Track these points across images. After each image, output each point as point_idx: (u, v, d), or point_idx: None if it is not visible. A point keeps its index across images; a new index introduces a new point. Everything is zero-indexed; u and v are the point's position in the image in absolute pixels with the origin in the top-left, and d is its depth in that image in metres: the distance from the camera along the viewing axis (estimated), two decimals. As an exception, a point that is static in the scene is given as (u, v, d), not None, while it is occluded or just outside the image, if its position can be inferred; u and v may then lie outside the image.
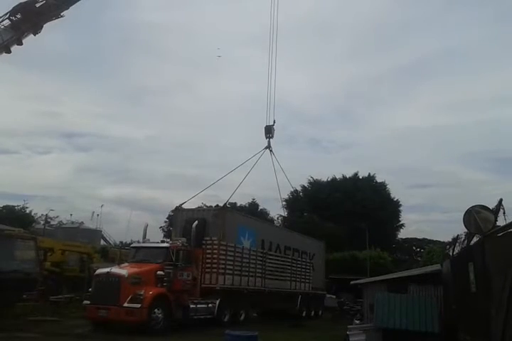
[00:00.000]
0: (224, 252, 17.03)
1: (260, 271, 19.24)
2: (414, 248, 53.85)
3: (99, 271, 15.04)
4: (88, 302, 14.15)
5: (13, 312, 15.54)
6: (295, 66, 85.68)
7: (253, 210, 44.47)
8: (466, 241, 11.66)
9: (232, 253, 17.47)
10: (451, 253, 14.43)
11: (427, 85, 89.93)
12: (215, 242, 16.95)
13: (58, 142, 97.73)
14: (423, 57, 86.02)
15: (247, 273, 18.27)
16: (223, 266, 16.85)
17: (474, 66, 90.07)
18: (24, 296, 13.46)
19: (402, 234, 51.84)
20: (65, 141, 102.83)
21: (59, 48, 77.37)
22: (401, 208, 49.42)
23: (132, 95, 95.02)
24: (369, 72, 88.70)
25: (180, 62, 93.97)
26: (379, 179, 50.30)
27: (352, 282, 18.42)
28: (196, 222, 16.79)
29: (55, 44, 77.79)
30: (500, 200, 9.00)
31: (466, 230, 11.29)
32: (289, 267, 21.76)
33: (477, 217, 9.23)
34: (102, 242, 41.18)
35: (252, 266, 18.67)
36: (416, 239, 54.14)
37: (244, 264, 18.13)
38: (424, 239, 51.43)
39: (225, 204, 20.44)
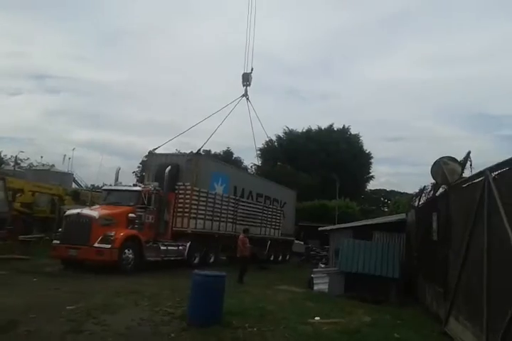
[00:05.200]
0: (196, 197, 17.18)
1: (232, 216, 19.57)
2: (382, 199, 55.48)
3: (69, 211, 15.02)
4: (58, 242, 14.21)
5: (-18, 250, 15.57)
6: (277, 13, 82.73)
7: (227, 158, 44.47)
8: (431, 192, 12.00)
9: (204, 199, 17.64)
10: (416, 204, 14.91)
11: (409, 38, 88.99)
12: (188, 187, 17.03)
13: (27, 83, 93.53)
14: (408, 8, 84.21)
15: (218, 218, 18.58)
16: (195, 211, 17.05)
17: (461, 20, 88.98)
18: (-7, 234, 13.39)
19: (372, 185, 53.31)
20: (35, 82, 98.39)
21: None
22: (372, 160, 50.41)
23: (105, 37, 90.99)
24: (352, 22, 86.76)
25: (156, 3, 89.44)
26: (353, 131, 50.70)
27: (320, 228, 18.96)
28: (169, 167, 16.74)
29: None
30: (469, 153, 9.15)
31: (433, 182, 11.61)
32: (260, 214, 22.17)
33: (444, 168, 9.43)
34: (74, 185, 40.73)
35: (223, 211, 18.95)
36: (385, 190, 55.75)
37: (216, 209, 18.38)
38: (392, 191, 52.98)
39: (199, 150, 20.29)
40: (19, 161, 46.70)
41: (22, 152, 47.77)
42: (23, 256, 15.45)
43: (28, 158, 49.70)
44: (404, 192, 41.49)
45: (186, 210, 16.83)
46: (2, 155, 48.43)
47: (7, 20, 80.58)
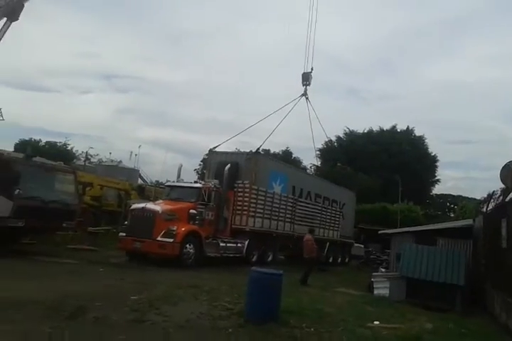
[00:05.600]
0: (255, 196, 17.29)
1: (290, 216, 19.52)
2: (448, 204, 53.18)
3: (134, 205, 15.66)
4: (124, 234, 14.85)
5: (54, 240, 16.57)
6: (338, 13, 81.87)
7: (286, 158, 44.41)
8: (501, 197, 11.40)
9: (262, 198, 17.72)
10: (484, 210, 14.18)
11: (473, 38, 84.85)
12: (247, 186, 17.18)
13: (98, 83, 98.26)
14: (471, 7, 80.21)
15: (276, 218, 18.59)
16: (253, 209, 17.17)
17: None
18: (64, 225, 14.17)
19: (438, 189, 51.22)
20: (104, 82, 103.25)
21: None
22: (438, 163, 48.55)
23: (170, 38, 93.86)
24: (413, 23, 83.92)
25: (220, 5, 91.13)
26: (418, 133, 49.00)
27: (380, 231, 18.47)
28: (229, 165, 16.91)
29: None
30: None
31: (503, 186, 11.02)
32: (319, 214, 21.95)
33: (514, 173, 8.95)
34: (140, 181, 42.30)
35: (282, 210, 18.94)
36: (451, 195, 53.38)
37: (274, 209, 18.41)
38: (459, 196, 50.59)
39: (258, 149, 20.38)
40: (89, 157, 49.20)
41: (92, 148, 50.34)
42: (91, 247, 16.30)
43: (97, 154, 52.27)
44: (472, 198, 39.51)
45: (245, 208, 16.98)
46: (74, 151, 51.24)
47: (77, 21, 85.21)
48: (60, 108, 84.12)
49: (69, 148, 50.75)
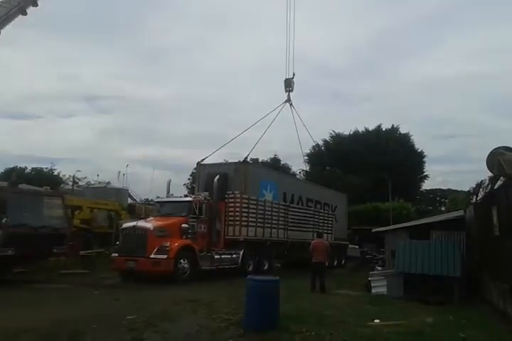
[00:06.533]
0: (246, 205, 17.25)
1: (283, 222, 19.48)
2: (438, 198, 53.54)
3: (125, 224, 15.47)
4: (116, 254, 14.67)
5: (46, 266, 16.31)
6: (317, 19, 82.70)
7: (275, 165, 44.45)
8: (489, 186, 11.50)
9: (254, 206, 17.68)
10: (474, 200, 14.28)
11: (453, 34, 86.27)
12: (237, 196, 17.15)
13: (80, 105, 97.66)
14: (450, 4, 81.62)
15: (269, 225, 18.54)
16: (246, 219, 17.10)
17: (503, 12, 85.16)
18: (55, 250, 13.97)
19: (427, 185, 51.50)
20: (87, 104, 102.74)
21: (73, 9, 76.09)
22: (425, 159, 48.81)
23: (149, 55, 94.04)
24: (393, 23, 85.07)
25: (195, 19, 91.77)
26: (403, 130, 49.41)
27: (373, 230, 18.47)
28: (218, 176, 16.90)
29: (70, 5, 76.41)
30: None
31: (490, 175, 11.12)
32: (311, 219, 21.92)
33: (501, 159, 9.04)
34: (129, 200, 41.95)
35: (274, 218, 18.91)
36: (441, 189, 53.78)
37: (266, 216, 18.37)
38: (448, 190, 50.95)
39: (246, 158, 20.37)
40: (77, 180, 48.86)
41: (79, 171, 50.22)
42: (84, 271, 16.09)
43: (85, 177, 52.06)
44: (461, 190, 39.77)
45: (237, 218, 16.92)
46: (61, 176, 50.95)
47: (54, 45, 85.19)
48: (45, 134, 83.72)
49: (56, 173, 50.60)
